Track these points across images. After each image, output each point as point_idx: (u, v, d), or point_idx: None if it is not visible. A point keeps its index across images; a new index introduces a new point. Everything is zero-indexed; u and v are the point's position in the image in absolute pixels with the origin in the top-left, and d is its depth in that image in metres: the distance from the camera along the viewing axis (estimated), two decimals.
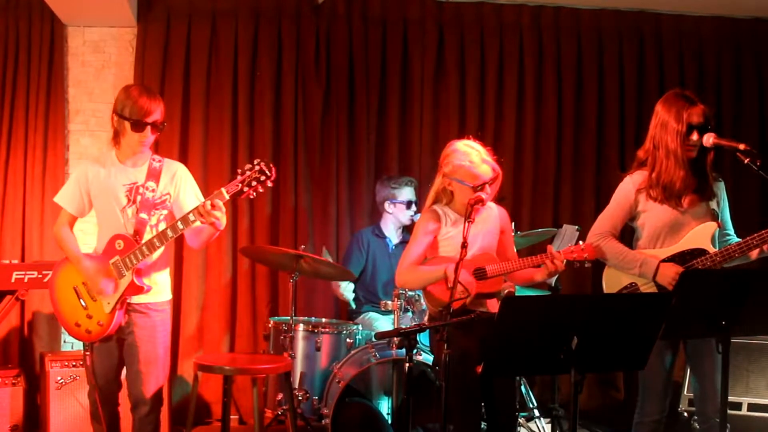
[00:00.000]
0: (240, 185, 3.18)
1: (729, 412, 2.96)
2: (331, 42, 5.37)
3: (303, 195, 5.31)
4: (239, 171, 3.21)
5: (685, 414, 4.59)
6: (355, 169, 5.39)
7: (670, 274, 3.19)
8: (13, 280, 4.42)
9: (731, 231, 3.41)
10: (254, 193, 3.20)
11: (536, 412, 4.65)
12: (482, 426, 3.51)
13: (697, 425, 3.36)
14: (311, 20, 5.35)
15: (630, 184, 3.36)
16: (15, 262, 4.68)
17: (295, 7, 5.33)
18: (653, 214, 3.31)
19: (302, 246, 4.78)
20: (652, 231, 3.33)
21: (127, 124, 3.38)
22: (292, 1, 5.33)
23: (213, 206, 3.20)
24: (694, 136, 3.24)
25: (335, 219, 5.33)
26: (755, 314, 2.86)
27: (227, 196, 3.20)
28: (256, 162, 3.20)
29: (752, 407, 4.52)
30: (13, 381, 4.42)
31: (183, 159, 5.18)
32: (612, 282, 3.37)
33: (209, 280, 5.25)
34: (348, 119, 5.37)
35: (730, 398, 3.37)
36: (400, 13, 5.44)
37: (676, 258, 3.26)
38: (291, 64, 5.31)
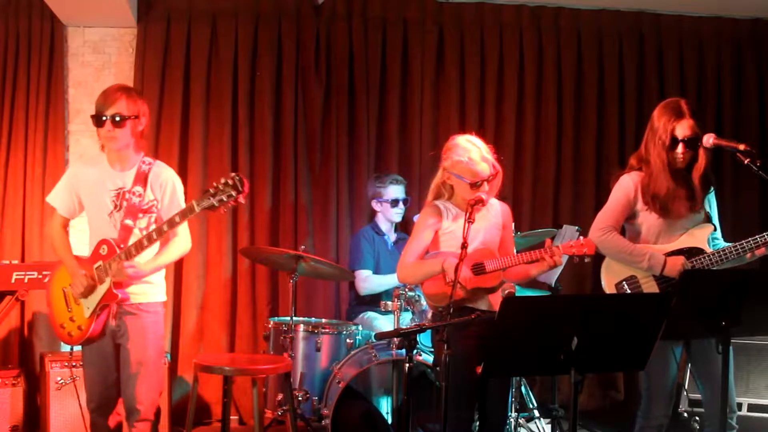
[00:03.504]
0: (211, 199, 3.07)
1: None
2: (331, 42, 5.37)
3: (303, 195, 5.31)
4: (213, 185, 3.08)
5: (685, 414, 4.59)
6: (355, 168, 5.39)
7: (678, 266, 3.21)
8: (13, 281, 4.42)
9: (719, 235, 3.44)
10: (225, 209, 3.11)
11: (536, 413, 4.64)
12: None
13: (698, 426, 3.36)
14: (311, 20, 5.35)
15: (630, 181, 3.36)
16: (15, 262, 4.67)
17: (295, 7, 5.33)
18: (647, 216, 3.33)
19: (302, 246, 4.77)
20: (647, 230, 3.34)
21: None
22: (292, 1, 5.33)
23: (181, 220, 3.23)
24: (679, 149, 3.23)
25: (335, 219, 5.33)
26: (755, 314, 2.87)
27: (198, 209, 3.12)
28: (232, 175, 3.07)
29: (752, 407, 4.51)
30: (13, 381, 4.42)
31: (183, 159, 5.20)
32: (611, 275, 3.37)
33: (209, 280, 5.24)
34: (348, 119, 5.37)
35: None
36: (400, 13, 5.44)
37: (676, 254, 3.27)
38: (291, 64, 5.31)
